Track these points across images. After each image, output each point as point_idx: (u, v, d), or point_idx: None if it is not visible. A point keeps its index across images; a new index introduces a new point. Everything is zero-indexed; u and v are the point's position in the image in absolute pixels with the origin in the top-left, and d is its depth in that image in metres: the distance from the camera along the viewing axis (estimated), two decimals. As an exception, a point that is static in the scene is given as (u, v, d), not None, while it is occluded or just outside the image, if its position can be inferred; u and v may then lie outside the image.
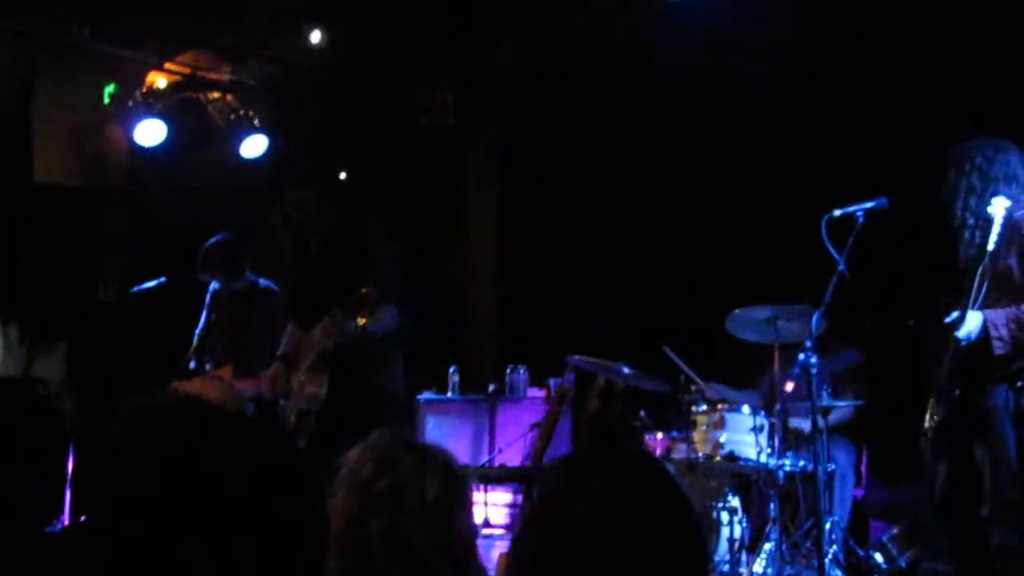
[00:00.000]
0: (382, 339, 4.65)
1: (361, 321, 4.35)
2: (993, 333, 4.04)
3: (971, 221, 4.25)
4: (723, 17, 6.63)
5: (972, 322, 4.07)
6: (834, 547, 5.54)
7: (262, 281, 5.96)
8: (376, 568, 1.99)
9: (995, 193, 4.18)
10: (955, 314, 4.10)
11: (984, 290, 4.13)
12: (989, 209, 4.09)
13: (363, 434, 2.22)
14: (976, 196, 4.24)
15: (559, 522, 1.51)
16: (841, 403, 5.72)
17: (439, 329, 8.44)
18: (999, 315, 4.06)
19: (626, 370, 5.83)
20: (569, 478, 1.57)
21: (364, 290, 4.31)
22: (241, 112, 8.07)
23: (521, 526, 1.57)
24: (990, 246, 4.04)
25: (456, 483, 2.12)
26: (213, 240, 5.93)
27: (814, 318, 4.70)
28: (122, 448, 1.31)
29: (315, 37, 7.79)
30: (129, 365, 6.64)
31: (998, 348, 4.04)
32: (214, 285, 6.00)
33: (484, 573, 2.18)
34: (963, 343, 4.07)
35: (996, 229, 4.03)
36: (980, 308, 4.10)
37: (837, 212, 4.63)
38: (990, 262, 4.07)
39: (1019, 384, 3.71)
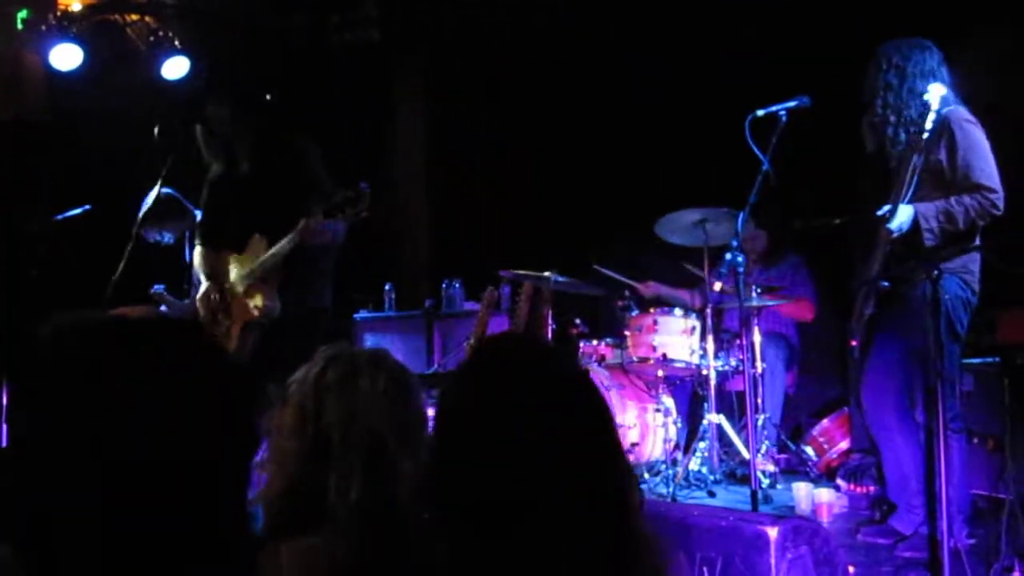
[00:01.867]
0: (317, 251, 4.60)
1: (344, 217, 4.25)
2: (923, 225, 4.12)
3: (892, 118, 4.31)
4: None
5: (903, 215, 4.15)
6: (767, 443, 5.69)
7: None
8: (336, 453, 2.02)
9: (912, 90, 4.25)
10: (886, 207, 4.17)
11: (915, 184, 4.20)
12: (926, 96, 4.16)
13: (306, 347, 2.25)
14: (893, 93, 4.30)
15: (442, 419, 1.57)
16: (769, 302, 5.81)
17: (373, 247, 8.39)
18: (930, 208, 4.14)
19: (560, 278, 5.87)
20: (455, 374, 1.63)
21: (359, 188, 4.22)
22: (161, 33, 7.87)
23: (436, 412, 1.61)
24: (925, 135, 4.11)
25: (406, 374, 2.16)
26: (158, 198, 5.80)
27: (740, 218, 4.75)
28: (43, 363, 1.29)
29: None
30: (55, 295, 6.53)
31: (928, 240, 4.13)
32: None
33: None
34: (895, 235, 4.15)
35: (931, 116, 4.11)
36: (911, 202, 4.18)
37: (760, 112, 4.65)
38: (922, 157, 4.14)
39: (935, 273, 3.78)
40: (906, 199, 4.20)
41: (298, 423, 2.06)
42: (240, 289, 4.63)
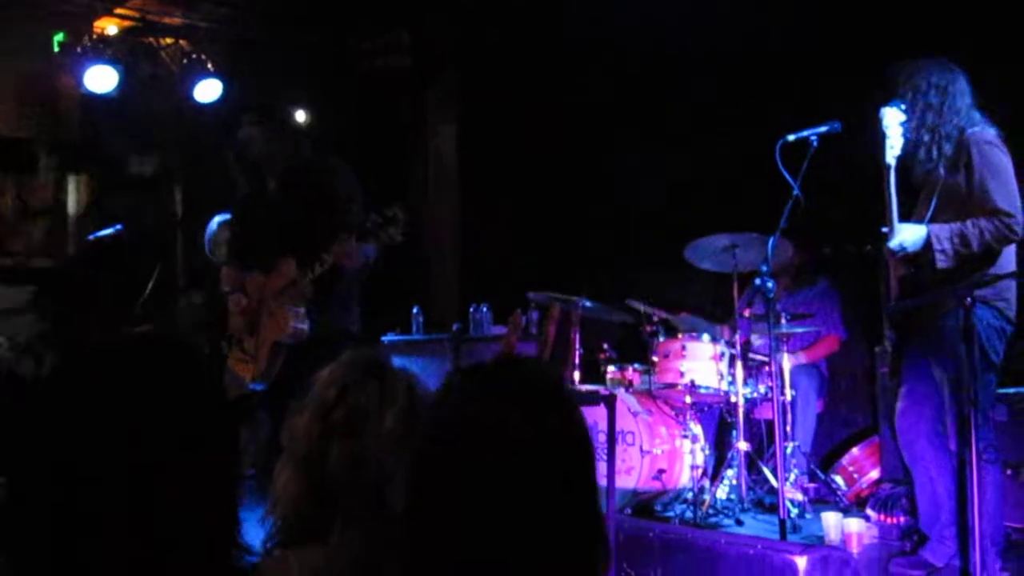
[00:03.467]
0: (347, 273, 4.62)
1: (380, 240, 4.26)
2: (936, 246, 4.08)
3: (926, 138, 4.27)
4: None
5: (907, 234, 4.10)
6: (796, 472, 5.62)
7: None
8: (338, 491, 2.00)
9: (952, 107, 4.22)
10: (885, 228, 4.14)
11: (933, 206, 4.17)
12: (882, 116, 4.15)
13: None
14: (934, 112, 4.26)
15: (428, 433, 1.55)
16: (799, 328, 5.76)
17: (402, 270, 8.42)
18: (944, 229, 4.10)
19: (587, 303, 5.84)
20: (439, 395, 1.59)
21: (391, 212, 4.23)
22: (194, 56, 7.97)
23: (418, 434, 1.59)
24: (890, 160, 4.13)
25: (415, 412, 2.12)
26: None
27: (770, 243, 4.72)
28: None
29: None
30: (88, 314, 6.59)
31: (941, 262, 4.08)
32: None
33: None
34: (897, 254, 4.10)
35: (898, 138, 4.12)
36: (931, 222, 4.14)
37: (791, 137, 4.64)
38: (944, 176, 4.13)
39: (968, 301, 3.74)
40: (926, 220, 4.17)
41: (303, 451, 2.04)
42: (271, 309, 4.64)
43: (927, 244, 4.10)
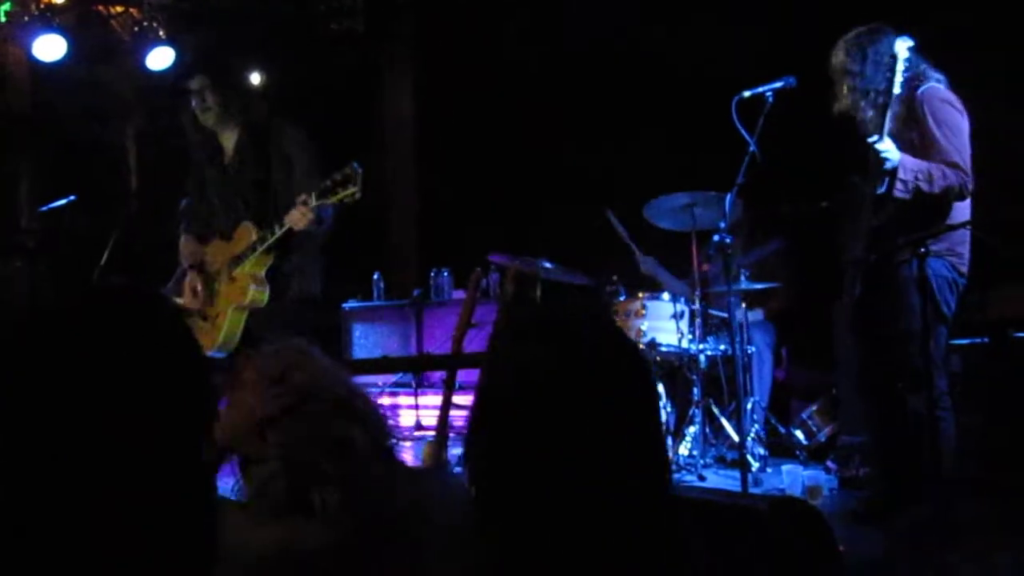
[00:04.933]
0: (306, 239, 4.58)
1: (337, 199, 4.19)
2: (900, 174, 4.10)
3: (861, 102, 4.33)
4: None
5: (894, 150, 4.13)
6: (756, 426, 5.69)
7: None
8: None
9: (877, 63, 4.27)
10: (875, 136, 4.15)
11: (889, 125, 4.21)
12: (895, 48, 4.19)
13: (294, 334, 2.22)
14: (858, 77, 4.32)
15: (508, 387, 1.48)
16: (756, 285, 5.81)
17: (361, 236, 8.39)
18: (911, 161, 4.13)
19: (548, 265, 5.86)
20: (511, 341, 1.54)
21: (347, 171, 4.17)
22: (145, 24, 7.84)
23: (482, 368, 1.53)
24: (896, 88, 4.15)
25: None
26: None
27: (727, 199, 4.75)
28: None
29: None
30: (40, 285, 6.51)
31: (899, 190, 4.12)
32: None
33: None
34: (882, 155, 4.12)
35: (900, 68, 4.15)
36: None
37: (746, 93, 4.65)
38: (896, 103, 4.18)
39: (922, 250, 3.79)
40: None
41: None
42: (230, 276, 4.60)
43: (892, 172, 4.13)
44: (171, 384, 1.28)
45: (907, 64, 4.18)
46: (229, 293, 4.60)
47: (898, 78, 4.16)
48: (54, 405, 1.21)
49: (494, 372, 1.52)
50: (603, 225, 6.15)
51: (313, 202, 4.19)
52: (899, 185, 4.11)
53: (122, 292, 1.33)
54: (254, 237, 4.48)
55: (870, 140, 4.14)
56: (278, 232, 4.36)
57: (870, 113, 4.29)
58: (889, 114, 4.17)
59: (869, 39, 4.34)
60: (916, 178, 4.11)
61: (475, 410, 1.51)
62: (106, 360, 1.23)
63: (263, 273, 4.54)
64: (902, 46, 4.20)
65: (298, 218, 4.27)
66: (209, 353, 4.61)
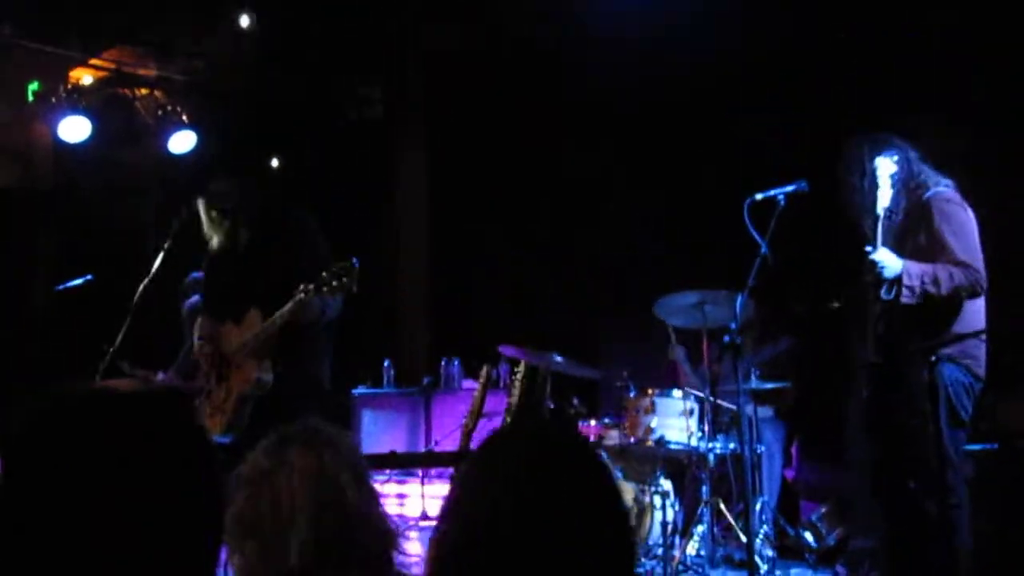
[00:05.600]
0: (315, 326, 4.61)
1: (335, 294, 4.25)
2: (905, 281, 4.14)
3: (900, 197, 4.37)
4: (645, 8, 6.75)
5: (890, 258, 4.16)
6: (764, 527, 5.63)
7: None
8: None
9: (912, 172, 4.33)
10: (868, 248, 4.19)
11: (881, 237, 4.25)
12: (877, 165, 4.27)
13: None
14: (858, 192, 4.39)
15: (477, 506, 1.47)
16: (767, 384, 5.79)
17: (373, 323, 8.42)
18: (916, 267, 4.17)
19: (558, 359, 5.86)
20: (487, 461, 1.54)
21: (345, 264, 4.22)
22: (169, 108, 8.00)
23: (443, 510, 1.53)
24: (882, 203, 4.22)
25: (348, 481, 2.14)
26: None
27: (738, 300, 4.76)
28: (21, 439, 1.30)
29: (244, 21, 7.71)
30: (55, 364, 6.53)
31: (906, 297, 4.15)
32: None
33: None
34: (878, 268, 4.14)
35: (885, 183, 4.24)
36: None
37: (759, 196, 4.70)
38: (890, 215, 4.23)
39: (932, 359, 3.79)
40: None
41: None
42: (238, 361, 4.64)
43: (897, 279, 4.15)
44: (183, 485, 1.30)
45: (894, 179, 4.24)
46: (236, 378, 4.64)
47: (883, 193, 4.23)
48: (67, 501, 1.23)
49: (458, 519, 1.50)
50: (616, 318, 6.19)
51: (311, 295, 4.25)
52: (905, 292, 4.13)
53: (142, 398, 1.35)
54: (259, 325, 4.52)
55: (866, 250, 4.19)
56: (278, 322, 4.41)
57: (867, 223, 4.35)
58: (880, 227, 4.22)
59: (867, 152, 4.41)
60: (923, 282, 4.14)
61: (442, 522, 1.50)
62: (118, 466, 1.26)
63: (268, 361, 4.57)
64: (884, 163, 4.27)
65: (295, 310, 4.32)
66: (216, 438, 4.63)
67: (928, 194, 4.32)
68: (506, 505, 1.43)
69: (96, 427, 1.29)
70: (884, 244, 4.22)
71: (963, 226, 4.26)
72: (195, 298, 6.44)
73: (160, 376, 6.05)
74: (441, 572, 1.47)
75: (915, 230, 4.30)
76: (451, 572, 1.46)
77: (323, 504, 2.06)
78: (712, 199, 5.75)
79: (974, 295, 4.22)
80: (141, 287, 5.78)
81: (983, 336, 4.23)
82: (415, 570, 2.32)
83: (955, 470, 4.10)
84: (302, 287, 4.28)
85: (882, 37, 6.07)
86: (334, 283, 4.19)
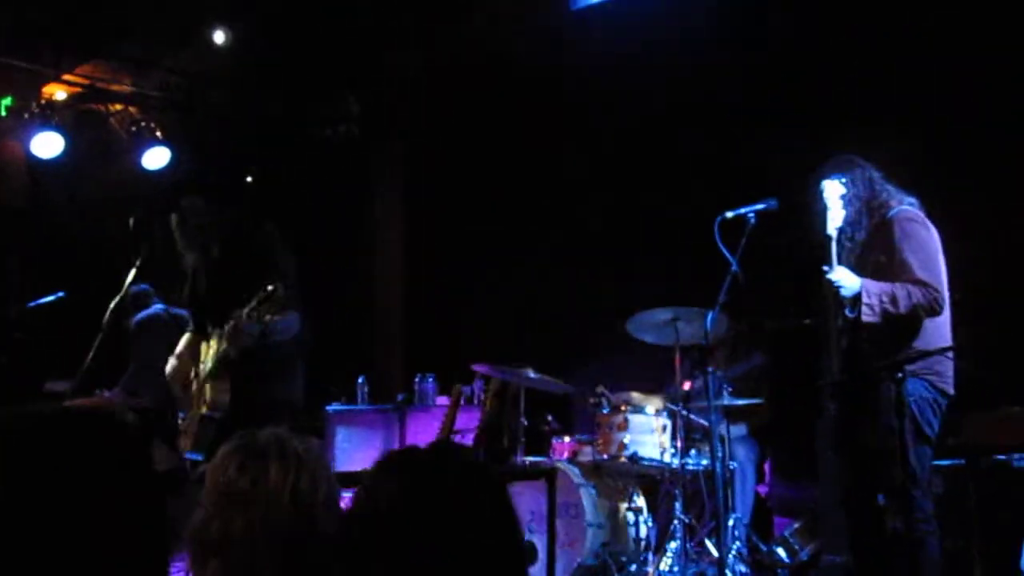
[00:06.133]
0: (283, 344, 4.60)
1: (266, 318, 4.30)
2: (864, 299, 4.19)
3: (858, 216, 4.42)
4: (621, 28, 6.79)
5: (848, 278, 4.22)
6: (737, 543, 5.64)
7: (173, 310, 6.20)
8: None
9: (875, 191, 4.39)
10: (825, 268, 4.25)
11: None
12: (823, 188, 4.37)
13: None
14: (865, 191, 4.43)
15: (362, 517, 1.61)
16: (739, 401, 5.82)
17: (347, 340, 8.40)
18: (874, 285, 4.22)
19: (531, 375, 5.87)
20: (374, 476, 1.65)
21: (271, 287, 4.26)
22: (143, 124, 7.98)
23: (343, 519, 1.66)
24: (831, 224, 4.31)
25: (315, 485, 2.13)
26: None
27: (708, 317, 4.79)
28: None
29: (219, 37, 7.70)
30: (27, 380, 6.49)
31: (866, 315, 4.19)
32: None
33: None
34: (836, 285, 4.21)
35: (832, 206, 4.35)
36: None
37: (729, 214, 4.74)
38: (840, 239, 4.34)
39: (899, 375, 3.82)
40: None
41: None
42: (200, 381, 4.65)
43: (857, 297, 4.20)
44: (108, 504, 1.31)
45: (846, 199, 4.35)
46: (198, 399, 4.65)
47: (834, 214, 4.34)
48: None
49: (356, 504, 1.63)
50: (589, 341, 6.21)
51: (242, 321, 4.27)
52: (865, 310, 4.19)
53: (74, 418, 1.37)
54: (220, 346, 4.54)
55: (823, 270, 4.24)
56: (223, 346, 4.44)
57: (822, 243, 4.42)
58: (833, 247, 4.30)
59: (817, 175, 4.50)
60: (881, 301, 4.18)
61: (342, 535, 1.63)
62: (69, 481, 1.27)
63: (227, 383, 4.57)
64: (831, 186, 4.37)
65: (232, 336, 4.34)
66: (186, 455, 4.63)
67: (891, 213, 4.37)
68: (381, 516, 1.57)
69: (16, 446, 1.31)
70: (840, 263, 4.28)
71: (924, 245, 4.31)
72: (143, 313, 6.47)
73: (106, 394, 6.05)
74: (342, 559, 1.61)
75: (876, 248, 4.35)
76: (348, 560, 1.59)
77: (298, 531, 2.03)
78: (685, 216, 5.78)
79: (932, 313, 4.26)
80: (112, 304, 5.78)
81: (950, 353, 4.26)
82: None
83: (921, 486, 4.12)
84: (236, 315, 4.32)
85: (865, 51, 6.13)
86: (263, 310, 4.23)
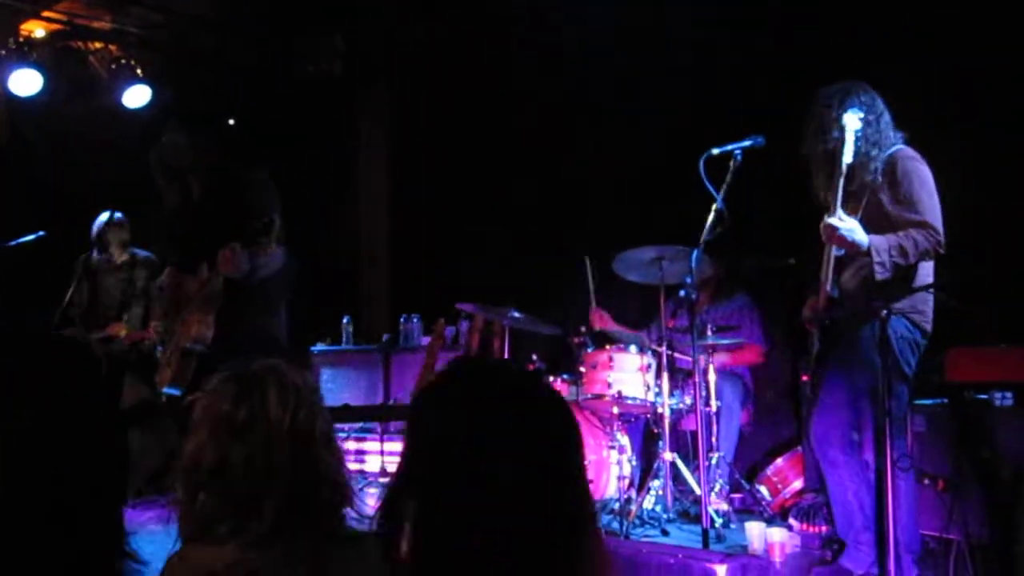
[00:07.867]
0: (269, 279, 4.59)
1: (261, 249, 4.30)
2: (875, 258, 4.16)
3: (868, 151, 4.34)
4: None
5: (850, 226, 4.17)
6: (720, 482, 5.67)
7: (140, 253, 6.22)
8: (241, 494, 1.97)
9: (884, 126, 4.32)
10: (833, 218, 4.19)
11: (859, 221, 4.24)
12: (844, 120, 4.23)
13: None
14: (873, 128, 4.34)
15: (426, 449, 1.50)
16: (724, 340, 5.82)
17: (332, 280, 8.38)
18: (883, 241, 4.18)
19: (516, 314, 5.85)
20: (426, 405, 1.56)
21: (267, 219, 4.24)
22: (123, 61, 7.86)
23: (400, 461, 1.55)
24: (846, 158, 4.20)
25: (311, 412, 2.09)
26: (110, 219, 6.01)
27: (693, 255, 4.77)
28: None
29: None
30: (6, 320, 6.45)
31: (880, 273, 4.16)
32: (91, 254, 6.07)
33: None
34: (839, 232, 4.16)
35: (849, 139, 4.21)
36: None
37: (715, 151, 4.70)
38: (847, 173, 4.23)
39: (884, 313, 3.81)
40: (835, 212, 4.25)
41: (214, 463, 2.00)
42: (183, 315, 4.63)
43: (867, 253, 4.16)
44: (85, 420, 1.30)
45: (858, 134, 4.23)
46: (181, 332, 4.64)
47: (847, 148, 4.22)
48: None
49: (416, 439, 1.53)
50: (575, 273, 6.19)
51: (238, 248, 4.26)
52: (878, 269, 4.14)
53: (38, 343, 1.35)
54: (205, 280, 4.52)
55: (829, 222, 4.18)
56: (215, 277, 4.41)
57: (820, 178, 4.35)
58: (840, 185, 4.22)
59: (837, 105, 4.36)
60: (891, 255, 4.15)
61: (398, 477, 1.51)
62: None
63: (211, 317, 4.55)
64: (851, 119, 4.25)
65: (222, 262, 4.33)
66: (164, 389, 4.63)
67: (892, 151, 4.31)
68: (458, 428, 1.46)
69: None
70: (843, 203, 4.23)
71: (926, 183, 4.27)
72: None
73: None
74: (394, 499, 1.49)
75: (877, 187, 4.29)
76: (404, 497, 1.48)
77: (299, 465, 1.99)
78: (671, 153, 5.73)
79: (933, 256, 4.25)
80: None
81: (931, 290, 4.26)
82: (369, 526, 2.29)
83: (897, 423, 4.13)
84: (229, 245, 4.29)
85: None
86: (257, 237, 4.21)
